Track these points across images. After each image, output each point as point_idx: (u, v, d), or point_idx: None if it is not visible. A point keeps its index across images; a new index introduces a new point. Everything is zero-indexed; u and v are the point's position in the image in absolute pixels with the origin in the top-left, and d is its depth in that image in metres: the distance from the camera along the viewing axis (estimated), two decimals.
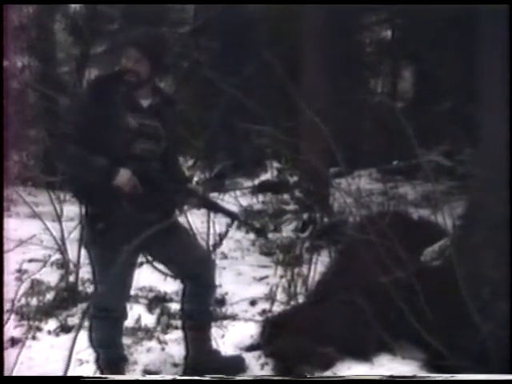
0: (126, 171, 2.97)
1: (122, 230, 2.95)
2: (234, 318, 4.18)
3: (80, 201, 3.24)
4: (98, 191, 2.99)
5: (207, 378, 2.86)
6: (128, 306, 3.36)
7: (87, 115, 3.01)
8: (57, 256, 4.98)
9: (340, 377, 3.20)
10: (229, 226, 3.46)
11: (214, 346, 3.49)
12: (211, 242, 4.99)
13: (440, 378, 2.93)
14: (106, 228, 3.01)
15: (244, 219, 4.24)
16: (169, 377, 3.17)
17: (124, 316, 3.25)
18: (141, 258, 3.39)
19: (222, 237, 4.13)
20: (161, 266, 3.36)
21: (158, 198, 3.06)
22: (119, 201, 2.99)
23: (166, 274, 3.39)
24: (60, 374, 3.11)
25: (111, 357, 3.22)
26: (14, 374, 2.84)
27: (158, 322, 4.16)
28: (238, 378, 3.15)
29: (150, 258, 3.32)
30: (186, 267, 3.28)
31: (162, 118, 3.18)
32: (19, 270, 4.99)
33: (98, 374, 3.23)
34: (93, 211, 3.09)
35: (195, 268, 3.27)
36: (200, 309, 3.35)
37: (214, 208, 3.44)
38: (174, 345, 3.74)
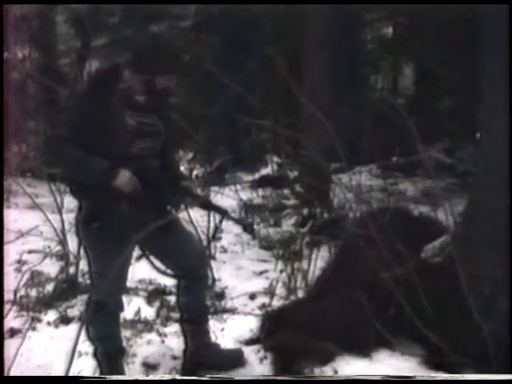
0: (126, 172, 2.91)
1: (119, 228, 2.94)
2: (233, 311, 4.19)
3: (76, 198, 3.16)
4: (96, 190, 2.94)
5: (207, 378, 2.86)
6: (125, 298, 3.34)
7: (86, 116, 2.93)
8: (57, 247, 4.97)
9: (340, 377, 3.19)
10: (219, 222, 3.43)
11: (214, 339, 3.49)
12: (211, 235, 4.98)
13: (440, 378, 2.93)
14: (102, 226, 2.98)
15: (234, 216, 4.20)
16: (168, 377, 3.18)
17: (120, 308, 3.23)
18: (139, 252, 3.38)
19: (214, 233, 4.13)
20: (156, 261, 3.33)
21: (156, 196, 3.01)
22: (117, 200, 2.95)
23: (160, 271, 3.36)
24: (59, 365, 3.17)
25: (109, 350, 3.20)
26: (14, 366, 2.83)
27: (158, 314, 4.16)
28: (237, 378, 3.14)
29: (146, 253, 3.29)
30: (181, 262, 3.27)
31: (159, 113, 3.12)
32: (19, 261, 4.99)
33: (96, 367, 3.23)
34: (89, 209, 3.05)
35: (190, 262, 3.26)
36: (195, 303, 3.35)
37: (205, 206, 3.45)
38: (174, 337, 3.73)
